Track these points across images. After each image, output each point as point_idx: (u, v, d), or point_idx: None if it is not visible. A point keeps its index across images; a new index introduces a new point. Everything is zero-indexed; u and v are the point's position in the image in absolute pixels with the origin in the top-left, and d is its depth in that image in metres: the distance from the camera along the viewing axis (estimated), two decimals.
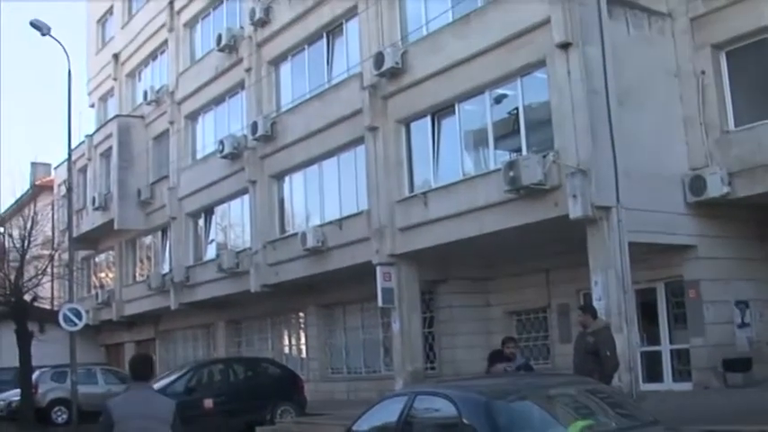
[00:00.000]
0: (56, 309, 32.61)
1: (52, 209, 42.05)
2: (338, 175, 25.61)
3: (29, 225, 31.00)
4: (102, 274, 44.50)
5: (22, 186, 46.81)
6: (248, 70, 29.27)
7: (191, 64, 34.25)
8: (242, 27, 29.96)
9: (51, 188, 46.21)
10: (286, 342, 31.50)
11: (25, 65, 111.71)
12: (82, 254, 42.55)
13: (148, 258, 39.22)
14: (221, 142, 29.78)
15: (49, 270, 32.94)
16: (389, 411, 9.40)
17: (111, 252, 42.28)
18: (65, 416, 29.34)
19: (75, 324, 25.87)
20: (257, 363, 25.13)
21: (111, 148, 38.14)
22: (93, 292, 43.38)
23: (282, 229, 28.04)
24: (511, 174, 18.07)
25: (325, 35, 26.27)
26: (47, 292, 36.30)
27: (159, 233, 37.15)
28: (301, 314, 30.12)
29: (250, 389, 22.22)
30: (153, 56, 38.26)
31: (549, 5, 18.04)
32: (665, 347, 19.77)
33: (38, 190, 44.47)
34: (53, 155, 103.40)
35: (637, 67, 18.68)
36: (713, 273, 18.97)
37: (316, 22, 26.30)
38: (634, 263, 17.32)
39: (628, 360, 16.35)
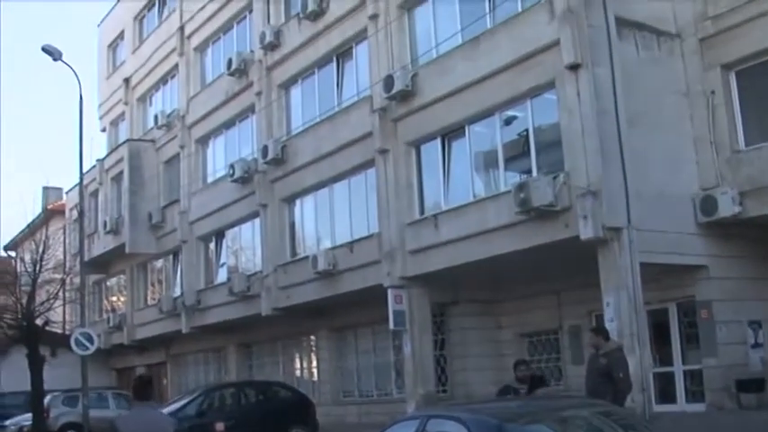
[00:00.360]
0: (67, 333, 32.67)
1: (64, 233, 42.23)
2: (349, 197, 25.65)
3: (41, 249, 31.05)
4: (114, 298, 44.51)
5: (34, 210, 47.06)
6: (258, 94, 29.38)
7: (201, 88, 34.39)
8: (252, 51, 30.10)
9: (63, 212, 46.37)
10: (297, 365, 31.43)
11: (37, 90, 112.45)
12: (93, 278, 42.59)
13: (159, 282, 39.22)
14: (232, 166, 29.86)
15: (60, 294, 32.99)
16: None
17: (122, 276, 42.30)
18: None
19: (87, 348, 25.88)
20: (268, 386, 25.08)
21: (122, 172, 38.26)
22: (104, 315, 43.38)
23: (293, 253, 28.05)
24: (521, 195, 18.07)
25: (335, 58, 26.38)
26: (58, 316, 36.38)
27: (170, 257, 37.18)
28: (312, 337, 30.06)
29: (261, 412, 22.20)
30: (164, 80, 38.44)
31: (558, 27, 18.10)
32: (677, 368, 19.68)
33: (49, 214, 44.62)
34: (65, 179, 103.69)
35: (646, 88, 18.69)
36: (725, 293, 18.89)
37: (326, 45, 26.41)
38: (645, 283, 17.27)
39: (640, 381, 16.28)
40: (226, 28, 33.09)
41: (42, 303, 31.06)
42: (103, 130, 45.79)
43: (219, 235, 33.22)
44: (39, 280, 31.08)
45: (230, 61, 30.45)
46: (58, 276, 35.52)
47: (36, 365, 29.04)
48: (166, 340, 37.83)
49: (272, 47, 28.57)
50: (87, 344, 25.83)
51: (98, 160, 41.01)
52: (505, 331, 24.19)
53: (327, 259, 24.86)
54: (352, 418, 26.60)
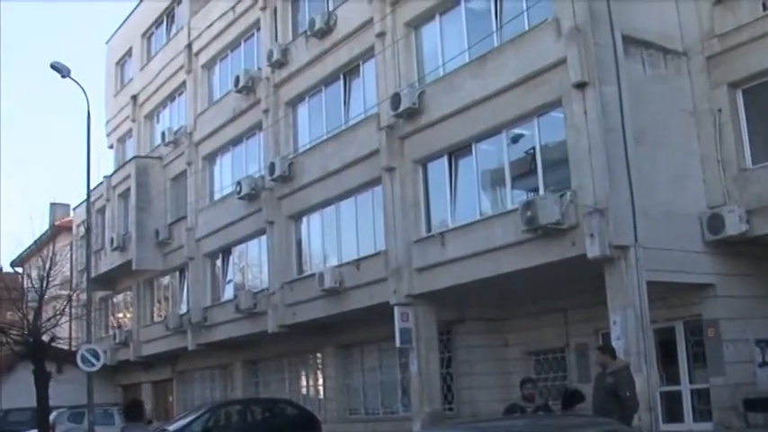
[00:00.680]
0: (74, 349, 32.67)
1: (71, 249, 42.28)
2: (355, 215, 25.65)
3: (47, 265, 31.18)
4: (120, 315, 44.54)
5: (42, 227, 47.18)
6: (266, 111, 29.45)
7: (208, 105, 34.49)
8: (259, 68, 30.19)
9: (70, 229, 46.45)
10: (303, 383, 31.38)
11: (45, 106, 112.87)
12: (100, 294, 42.66)
13: (166, 299, 39.25)
14: (239, 183, 29.90)
15: (67, 310, 33.06)
16: None
17: (128, 292, 42.33)
18: None
19: (93, 365, 25.90)
20: (274, 404, 25.10)
21: (129, 188, 38.37)
22: (110, 332, 43.40)
23: (300, 270, 28.05)
24: (528, 213, 18.05)
25: (342, 76, 26.43)
26: (65, 332, 36.41)
27: (177, 274, 37.21)
28: (319, 355, 30.02)
29: (267, 430, 22.18)
30: (171, 97, 38.57)
31: (565, 45, 18.12)
32: (684, 387, 19.60)
33: (57, 230, 44.69)
34: (72, 195, 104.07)
35: (653, 106, 18.70)
36: (732, 311, 18.81)
37: (333, 63, 26.48)
38: (652, 302, 17.24)
39: (647, 400, 16.22)
40: (233, 45, 33.21)
41: (49, 319, 31.20)
42: (111, 147, 45.92)
43: (226, 252, 33.24)
44: (45, 296, 31.23)
45: (238, 78, 30.54)
46: (65, 293, 35.66)
47: (42, 381, 29.11)
48: (172, 357, 37.81)
49: (279, 64, 28.65)
50: (93, 360, 25.85)
51: (105, 177, 41.16)
52: (512, 349, 24.13)
53: (334, 277, 24.86)
54: None
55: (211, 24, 33.91)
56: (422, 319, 22.45)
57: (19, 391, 33.77)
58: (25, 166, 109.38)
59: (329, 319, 26.30)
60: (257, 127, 30.45)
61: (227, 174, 33.15)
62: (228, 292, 32.91)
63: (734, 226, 18.38)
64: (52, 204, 51.64)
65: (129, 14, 43.53)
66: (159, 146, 38.33)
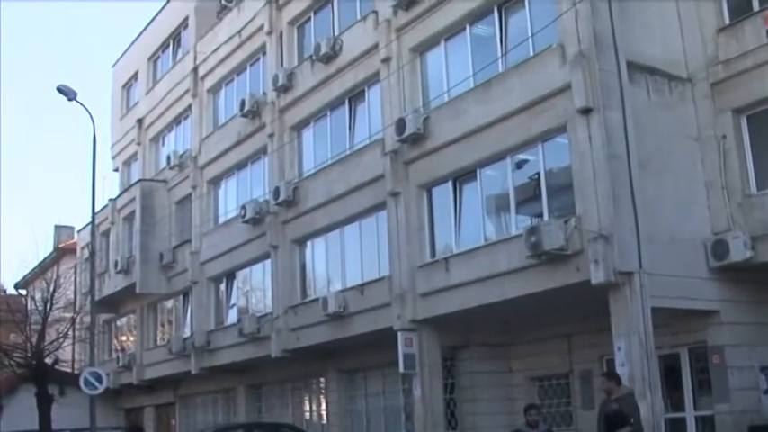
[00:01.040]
0: (76, 372, 32.64)
1: (75, 272, 42.37)
2: (360, 240, 25.64)
3: (51, 288, 31.20)
4: (123, 338, 44.45)
5: (46, 249, 47.25)
6: (271, 136, 29.50)
7: (214, 129, 34.57)
8: (265, 93, 30.29)
9: (74, 251, 46.51)
10: (306, 408, 31.24)
11: (51, 129, 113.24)
12: (103, 317, 42.57)
13: (169, 322, 39.17)
14: (243, 207, 29.91)
15: (70, 333, 33.04)
16: None
17: (132, 315, 42.25)
18: None
19: (96, 388, 25.88)
20: (277, 428, 25.06)
21: (134, 212, 38.38)
22: (113, 355, 43.28)
23: (304, 294, 28.02)
24: (532, 239, 18.06)
25: (347, 101, 26.51)
26: (68, 355, 36.40)
27: (181, 297, 37.16)
28: (322, 379, 29.92)
29: None
30: (176, 121, 38.65)
31: (569, 71, 18.18)
32: (689, 414, 19.50)
33: (61, 253, 44.83)
34: (77, 218, 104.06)
35: (658, 132, 18.73)
36: (737, 338, 18.75)
37: (338, 88, 26.56)
38: (657, 328, 17.18)
39: (652, 427, 16.15)
40: (239, 69, 33.32)
41: (52, 342, 31.20)
42: (116, 170, 45.97)
43: (230, 276, 33.23)
44: (49, 318, 31.22)
45: (243, 103, 30.62)
46: (68, 315, 35.66)
47: (44, 404, 29.10)
48: (175, 381, 37.72)
49: (284, 89, 28.74)
50: (96, 383, 25.83)
51: (110, 200, 41.22)
52: (516, 375, 24.04)
53: (338, 301, 24.83)
54: None
55: (217, 48, 34.06)
56: (425, 345, 22.40)
57: (21, 414, 33.66)
58: (30, 189, 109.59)
59: (333, 343, 26.24)
60: (262, 151, 30.50)
61: (231, 198, 33.18)
62: (232, 317, 32.86)
63: (738, 252, 18.36)
64: (57, 227, 51.77)
65: (136, 38, 43.70)
66: (164, 169, 38.38)
